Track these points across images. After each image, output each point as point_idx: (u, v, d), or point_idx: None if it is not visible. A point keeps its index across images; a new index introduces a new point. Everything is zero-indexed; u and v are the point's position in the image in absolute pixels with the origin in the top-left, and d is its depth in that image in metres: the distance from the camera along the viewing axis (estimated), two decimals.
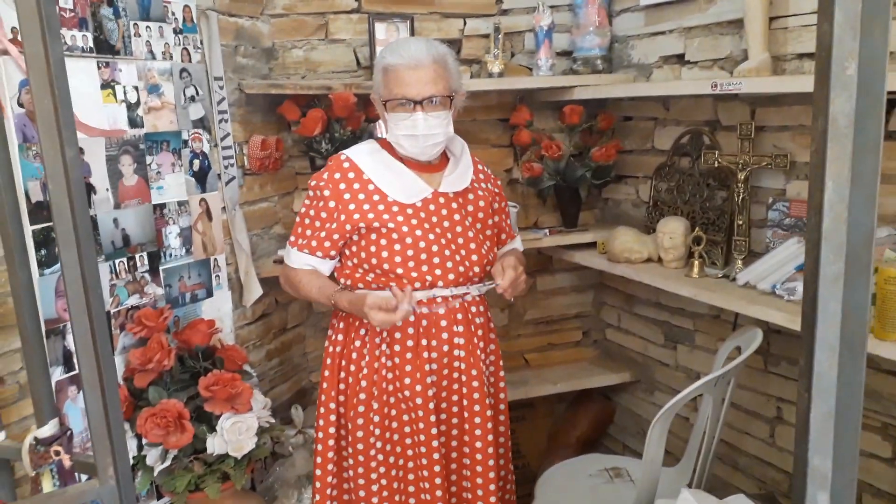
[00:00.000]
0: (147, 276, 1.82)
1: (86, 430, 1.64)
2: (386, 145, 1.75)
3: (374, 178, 1.68)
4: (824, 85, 0.53)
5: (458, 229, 1.71)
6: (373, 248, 1.66)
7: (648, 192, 2.43)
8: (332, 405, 1.76)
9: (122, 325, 1.75)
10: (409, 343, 1.69)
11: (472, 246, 1.73)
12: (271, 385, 2.36)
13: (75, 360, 1.58)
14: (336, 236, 1.68)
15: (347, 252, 1.72)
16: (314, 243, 1.71)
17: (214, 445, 1.68)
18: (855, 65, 0.52)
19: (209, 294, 2.03)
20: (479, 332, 1.77)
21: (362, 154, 1.72)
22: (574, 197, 2.55)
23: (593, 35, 2.44)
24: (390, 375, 1.71)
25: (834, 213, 0.54)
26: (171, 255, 1.89)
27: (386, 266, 1.66)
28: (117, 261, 1.73)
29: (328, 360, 1.79)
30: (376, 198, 1.67)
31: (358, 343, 1.73)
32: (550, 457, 2.74)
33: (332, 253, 1.72)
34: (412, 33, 2.41)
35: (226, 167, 2.09)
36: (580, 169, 2.44)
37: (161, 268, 1.86)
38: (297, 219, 1.77)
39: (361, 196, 1.67)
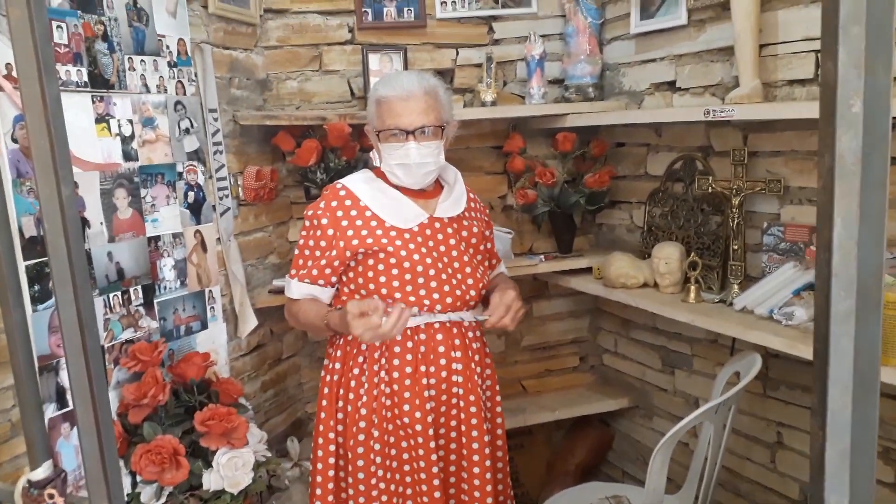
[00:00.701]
0: (141, 309, 1.80)
1: (79, 467, 1.61)
2: (381, 174, 1.77)
3: (370, 204, 1.70)
4: (830, 122, 0.53)
5: (454, 254, 1.73)
6: (370, 274, 1.67)
7: (642, 218, 2.44)
8: (332, 435, 1.75)
9: (117, 360, 1.73)
10: (408, 370, 1.69)
11: (468, 270, 1.74)
12: (266, 417, 2.33)
13: (69, 397, 1.56)
14: (336, 263, 1.69)
15: (344, 279, 1.73)
16: (315, 272, 1.71)
17: (210, 481, 1.65)
18: (860, 102, 0.52)
19: (204, 326, 2.01)
20: (476, 358, 1.78)
21: (358, 182, 1.74)
22: (568, 223, 2.56)
23: (584, 63, 2.47)
24: (389, 402, 1.70)
25: (843, 249, 0.54)
26: (165, 288, 1.87)
27: (384, 291, 1.66)
28: (111, 295, 1.71)
29: (325, 390, 1.78)
30: (374, 223, 1.68)
31: (356, 371, 1.72)
32: (550, 485, 2.71)
33: (333, 280, 1.73)
34: (405, 64, 2.42)
35: (220, 198, 2.09)
36: (574, 195, 2.45)
37: (155, 301, 1.85)
38: (296, 250, 1.77)
39: (359, 222, 1.68)
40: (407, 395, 1.68)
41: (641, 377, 2.63)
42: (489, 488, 1.72)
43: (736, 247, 1.98)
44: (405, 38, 2.45)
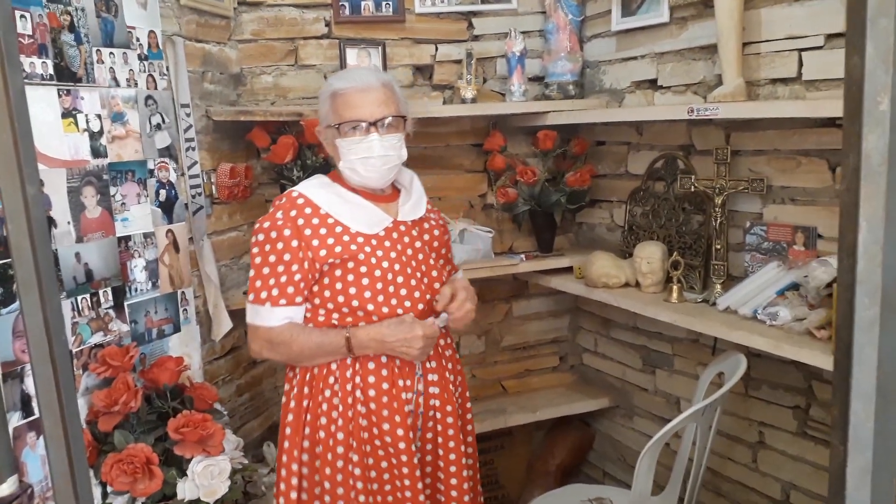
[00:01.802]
0: (111, 312, 1.73)
1: (46, 478, 1.54)
2: (336, 178, 1.69)
3: (332, 210, 1.61)
4: (856, 120, 0.50)
5: (420, 257, 1.67)
6: (339, 286, 1.58)
7: (623, 217, 2.42)
8: (295, 466, 1.62)
9: (86, 365, 1.66)
10: (385, 386, 1.60)
11: (434, 274, 1.68)
12: (242, 421, 2.26)
13: (34, 405, 1.49)
14: (309, 276, 1.58)
15: (306, 293, 1.61)
16: (290, 289, 1.58)
17: (185, 491, 1.59)
18: (888, 99, 0.50)
19: (177, 329, 1.94)
20: (449, 366, 1.72)
21: (314, 188, 1.64)
22: (549, 222, 2.54)
23: (565, 60, 2.44)
24: (366, 423, 1.60)
25: (869, 254, 0.51)
26: (136, 290, 1.80)
27: (355, 303, 1.57)
28: (80, 297, 1.64)
29: (289, 417, 1.65)
30: (339, 230, 1.59)
31: (328, 393, 1.61)
32: (530, 486, 2.69)
33: (306, 294, 1.61)
34: (384, 59, 2.38)
35: (193, 196, 2.02)
36: (555, 194, 2.43)
37: (126, 303, 1.77)
38: (253, 272, 1.60)
39: (323, 230, 1.58)
40: (385, 412, 1.59)
41: (622, 377, 2.62)
42: (467, 498, 1.67)
43: (718, 246, 1.97)
44: (383, 33, 2.41)
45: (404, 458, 1.59)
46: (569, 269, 2.45)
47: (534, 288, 2.73)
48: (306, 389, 1.64)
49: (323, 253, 1.56)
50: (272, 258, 1.57)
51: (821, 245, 1.81)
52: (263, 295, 1.58)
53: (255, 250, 1.61)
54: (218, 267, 2.12)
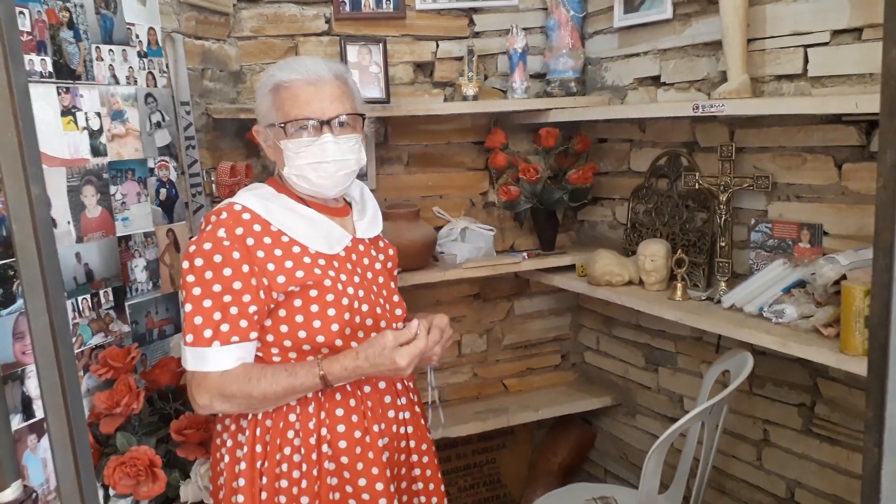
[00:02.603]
0: (112, 312, 1.71)
1: (47, 481, 1.52)
2: (281, 188, 1.44)
3: (284, 227, 1.36)
4: (892, 115, 0.49)
5: (381, 280, 1.48)
6: (299, 318, 1.34)
7: (626, 214, 2.41)
8: None
9: (87, 367, 1.64)
10: (358, 434, 1.38)
11: (395, 299, 1.51)
12: None
13: (35, 407, 1.47)
14: (264, 308, 1.32)
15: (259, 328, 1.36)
16: (243, 323, 1.29)
17: (188, 494, 1.57)
18: None
19: (177, 329, 1.92)
20: (415, 398, 1.55)
21: (259, 200, 1.37)
22: (551, 219, 2.52)
23: (567, 57, 2.43)
24: (335, 481, 1.38)
25: None
26: (137, 290, 1.79)
27: (321, 338, 1.34)
28: (80, 298, 1.62)
29: (240, 482, 1.36)
30: (296, 250, 1.36)
31: (288, 450, 1.36)
32: (532, 485, 2.68)
33: (258, 329, 1.34)
34: (385, 56, 2.36)
35: (193, 195, 2.00)
36: (557, 191, 2.41)
37: (127, 303, 1.76)
38: (190, 307, 1.29)
39: (278, 252, 1.33)
40: (360, 465, 1.37)
41: (624, 375, 2.61)
42: None
43: (723, 243, 1.96)
44: (384, 30, 2.39)
45: (384, 501, 1.37)
46: (571, 268, 2.43)
47: (535, 286, 2.71)
48: (258, 448, 1.36)
49: (282, 280, 1.32)
50: (217, 287, 1.28)
51: (826, 242, 1.80)
52: (208, 333, 1.28)
53: (190, 278, 1.30)
54: None
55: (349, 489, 1.37)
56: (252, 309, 1.31)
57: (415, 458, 1.51)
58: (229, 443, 1.41)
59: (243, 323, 1.30)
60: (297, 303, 1.34)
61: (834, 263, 1.58)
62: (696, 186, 2.01)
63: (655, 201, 2.29)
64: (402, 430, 1.47)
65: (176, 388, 1.74)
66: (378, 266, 1.50)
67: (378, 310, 1.43)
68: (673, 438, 1.58)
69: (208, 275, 1.29)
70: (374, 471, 1.37)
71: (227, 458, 1.40)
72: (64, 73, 1.58)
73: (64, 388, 0.86)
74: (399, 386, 1.49)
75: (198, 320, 1.29)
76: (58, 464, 0.85)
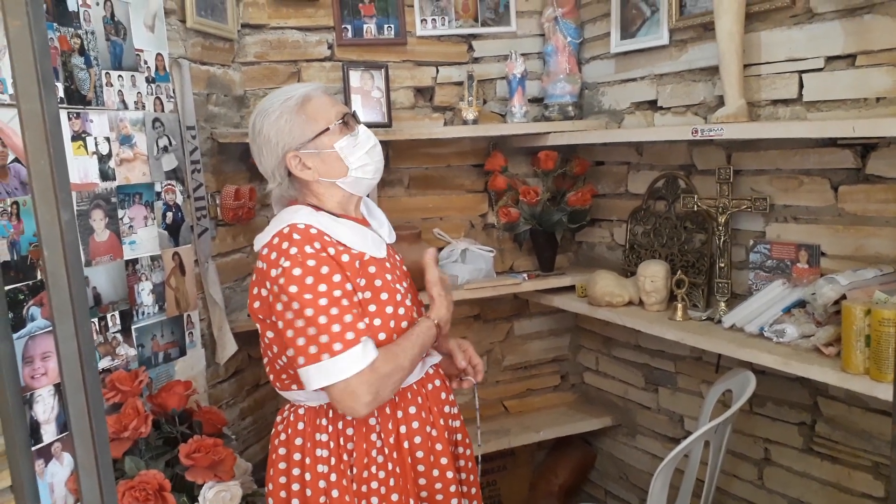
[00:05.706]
0: (119, 336, 1.71)
1: None
2: (312, 206, 1.49)
3: (341, 238, 1.43)
4: None
5: (406, 284, 1.55)
6: (377, 321, 1.41)
7: (624, 236, 2.44)
8: None
9: None
10: (428, 429, 1.49)
11: (420, 299, 1.60)
12: (245, 445, 2.24)
13: (42, 432, 1.47)
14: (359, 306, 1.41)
15: None
16: (368, 321, 1.38)
17: None
18: None
19: (182, 353, 1.92)
20: (452, 397, 1.61)
21: (312, 216, 1.43)
22: (550, 241, 2.55)
23: (564, 82, 2.47)
24: (415, 472, 1.49)
25: None
26: (143, 314, 1.79)
27: (382, 335, 1.39)
28: None
29: (331, 479, 1.43)
30: (358, 257, 1.44)
31: (365, 446, 1.45)
32: None
33: None
34: (387, 80, 2.39)
35: (198, 218, 2.01)
36: (556, 213, 2.45)
37: (133, 327, 1.76)
38: (325, 319, 1.30)
39: (346, 258, 1.40)
40: (432, 458, 1.48)
41: (624, 395, 2.62)
42: None
43: (722, 264, 1.99)
44: (385, 56, 2.42)
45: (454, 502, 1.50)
46: (570, 289, 2.46)
47: (534, 307, 2.73)
48: (345, 457, 1.44)
49: (362, 282, 1.41)
50: (337, 292, 1.34)
51: (824, 262, 1.83)
52: (350, 335, 1.31)
53: (308, 297, 1.31)
54: (222, 289, 2.10)
55: (422, 482, 1.48)
56: (374, 306, 1.40)
57: (461, 449, 1.60)
58: (318, 451, 1.44)
59: (365, 321, 1.37)
60: (372, 308, 1.40)
61: (834, 283, 1.61)
62: (695, 208, 2.05)
63: (654, 223, 2.32)
64: (451, 423, 1.58)
65: (183, 411, 1.73)
66: (405, 268, 1.62)
67: (415, 310, 1.52)
68: (679, 458, 1.59)
69: (322, 287, 1.32)
70: (444, 461, 1.49)
71: (318, 468, 1.43)
72: (75, 98, 1.60)
73: (90, 411, 0.86)
74: (419, 399, 1.54)
75: (336, 328, 1.31)
76: (83, 487, 0.86)
